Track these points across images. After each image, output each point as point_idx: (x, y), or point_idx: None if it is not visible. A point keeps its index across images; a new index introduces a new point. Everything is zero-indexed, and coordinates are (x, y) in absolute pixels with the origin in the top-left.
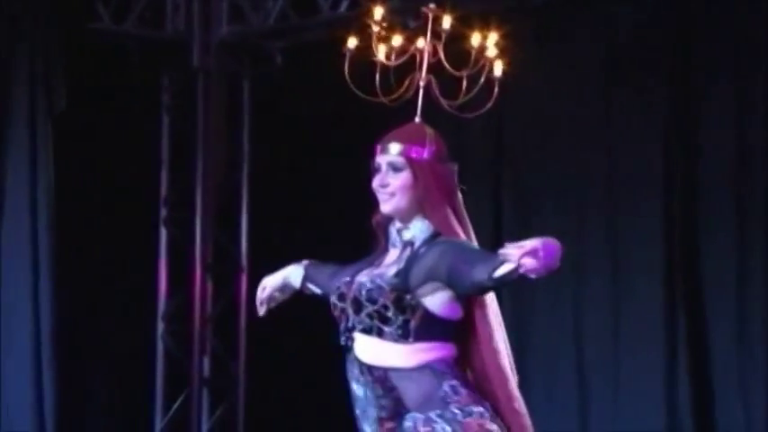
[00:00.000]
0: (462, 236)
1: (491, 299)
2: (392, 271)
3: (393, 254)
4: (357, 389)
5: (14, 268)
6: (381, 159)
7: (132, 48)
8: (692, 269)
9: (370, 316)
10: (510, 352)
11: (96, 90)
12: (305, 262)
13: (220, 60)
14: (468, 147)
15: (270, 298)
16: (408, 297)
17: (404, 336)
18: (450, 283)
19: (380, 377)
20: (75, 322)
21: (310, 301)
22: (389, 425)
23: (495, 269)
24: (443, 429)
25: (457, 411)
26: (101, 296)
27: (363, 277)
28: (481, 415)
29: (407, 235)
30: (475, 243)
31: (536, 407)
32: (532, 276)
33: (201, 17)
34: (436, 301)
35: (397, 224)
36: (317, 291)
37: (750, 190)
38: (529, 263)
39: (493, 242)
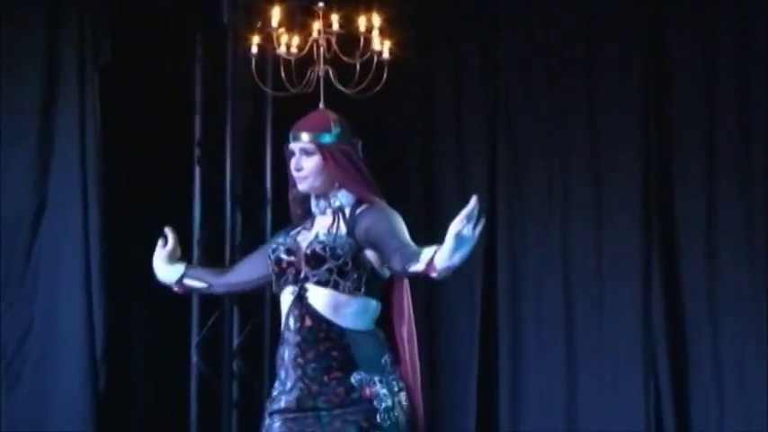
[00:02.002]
0: (377, 199)
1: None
2: (342, 231)
3: (325, 220)
4: (289, 336)
5: (65, 209)
6: (294, 146)
7: (169, 6)
8: (667, 208)
9: (329, 270)
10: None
11: (137, 45)
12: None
13: (248, 17)
14: (467, 107)
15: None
16: (361, 255)
17: (357, 288)
18: (376, 249)
19: (337, 334)
20: (121, 252)
21: None
22: (337, 374)
23: (409, 264)
24: (384, 395)
25: (393, 383)
26: (143, 229)
27: (311, 237)
28: (406, 390)
29: (336, 203)
30: (383, 203)
31: (526, 326)
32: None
33: None
34: (376, 259)
35: (320, 197)
36: (198, 285)
37: (720, 137)
38: (434, 274)
39: (489, 182)
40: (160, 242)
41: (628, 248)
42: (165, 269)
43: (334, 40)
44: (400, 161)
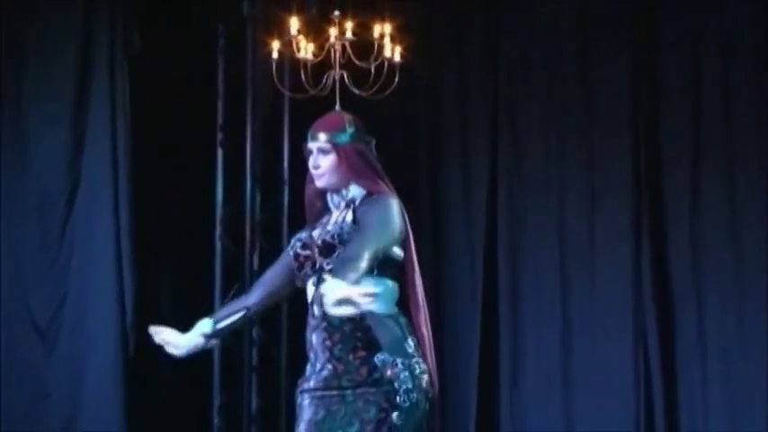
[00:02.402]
0: (386, 192)
1: (412, 244)
2: (348, 218)
3: (337, 213)
4: (315, 322)
5: (97, 188)
6: (312, 145)
7: (193, 1)
8: (655, 189)
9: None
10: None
11: (164, 37)
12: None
13: (266, 10)
14: (470, 101)
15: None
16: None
17: (369, 270)
18: None
19: (358, 316)
20: (149, 228)
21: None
22: (361, 353)
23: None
24: (405, 377)
25: (416, 365)
26: (170, 206)
27: (322, 230)
28: (429, 374)
29: (348, 195)
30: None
31: (525, 295)
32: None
33: None
34: None
35: (334, 193)
36: (235, 317)
37: (705, 119)
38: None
39: (491, 167)
40: (164, 337)
41: (618, 225)
42: (190, 337)
43: (348, 45)
44: (410, 155)
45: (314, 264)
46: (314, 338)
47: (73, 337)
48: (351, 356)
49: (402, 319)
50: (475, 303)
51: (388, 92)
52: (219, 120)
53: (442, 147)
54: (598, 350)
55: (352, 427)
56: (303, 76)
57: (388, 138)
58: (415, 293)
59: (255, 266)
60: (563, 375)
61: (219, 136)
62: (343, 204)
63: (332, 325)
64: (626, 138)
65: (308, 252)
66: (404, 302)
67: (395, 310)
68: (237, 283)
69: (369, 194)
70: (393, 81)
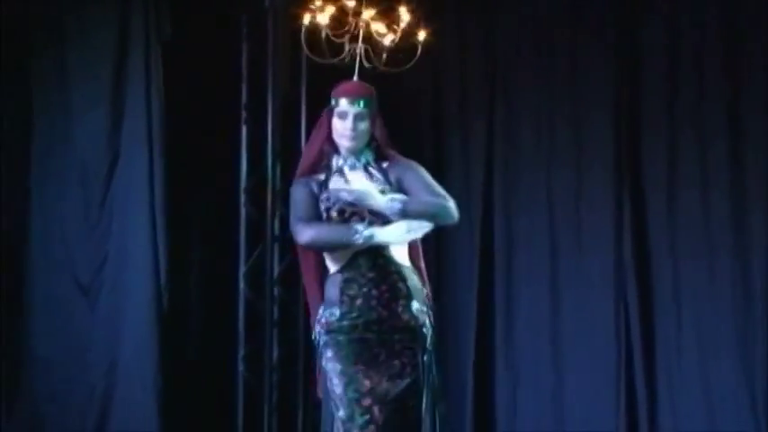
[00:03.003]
0: (397, 155)
1: None
2: (380, 179)
3: (357, 174)
4: (361, 273)
5: (134, 162)
6: (349, 109)
7: None
8: (635, 160)
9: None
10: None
11: (194, 24)
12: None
13: (285, 1)
14: (470, 79)
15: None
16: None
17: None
18: (405, 194)
19: (397, 267)
20: (180, 196)
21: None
22: (402, 302)
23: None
24: (430, 323)
25: (431, 312)
26: (200, 178)
27: (361, 186)
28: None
29: (363, 160)
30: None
31: (517, 254)
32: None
33: None
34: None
35: (350, 154)
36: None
37: (682, 97)
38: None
39: (488, 138)
40: None
41: (602, 193)
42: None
43: (369, 21)
44: (414, 126)
45: (362, 219)
46: (359, 287)
47: (112, 295)
48: (393, 304)
49: (416, 271)
50: (473, 257)
51: (407, 66)
52: (243, 99)
53: (444, 114)
54: (583, 303)
55: (393, 369)
56: (324, 42)
57: (394, 107)
58: (416, 243)
59: (276, 231)
60: (551, 325)
61: (244, 114)
62: (358, 165)
63: (379, 276)
64: (609, 115)
65: (355, 208)
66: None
67: (409, 262)
68: (260, 245)
69: (381, 158)
70: (414, 56)
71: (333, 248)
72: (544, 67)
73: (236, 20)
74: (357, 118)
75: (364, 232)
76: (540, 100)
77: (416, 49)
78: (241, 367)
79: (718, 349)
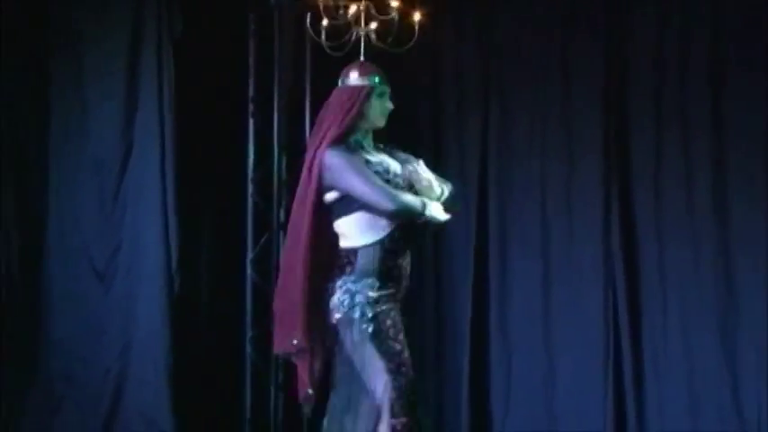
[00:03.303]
0: None
1: None
2: (401, 160)
3: (381, 155)
4: (404, 250)
5: (147, 153)
6: (386, 89)
7: None
8: (623, 152)
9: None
10: None
11: (204, 22)
12: None
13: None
14: (467, 75)
15: None
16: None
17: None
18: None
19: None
20: (191, 187)
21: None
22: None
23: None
24: None
25: None
26: (209, 169)
27: (412, 169)
28: None
29: (369, 141)
30: None
31: (511, 243)
32: None
33: None
34: None
35: (369, 134)
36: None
37: (667, 92)
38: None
39: (482, 129)
40: None
41: (592, 186)
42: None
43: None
44: (411, 122)
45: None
46: (403, 264)
47: (126, 281)
48: (409, 276)
49: None
50: (468, 247)
51: (406, 47)
52: (251, 94)
53: (442, 109)
54: (574, 290)
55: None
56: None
57: (394, 106)
58: None
59: (282, 219)
60: (544, 311)
61: (251, 108)
62: (368, 148)
63: (411, 252)
64: (599, 112)
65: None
66: None
67: None
68: (267, 233)
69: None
70: (411, 39)
71: (409, 218)
72: (537, 66)
73: (244, 18)
74: (389, 97)
75: (430, 207)
76: (533, 98)
77: (413, 31)
78: (249, 349)
79: (702, 332)
